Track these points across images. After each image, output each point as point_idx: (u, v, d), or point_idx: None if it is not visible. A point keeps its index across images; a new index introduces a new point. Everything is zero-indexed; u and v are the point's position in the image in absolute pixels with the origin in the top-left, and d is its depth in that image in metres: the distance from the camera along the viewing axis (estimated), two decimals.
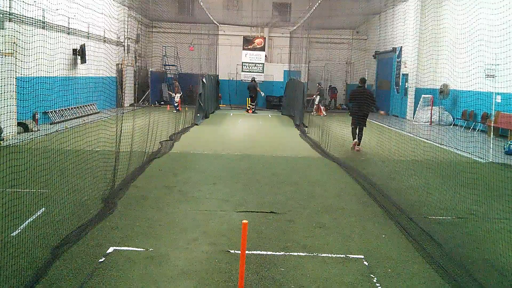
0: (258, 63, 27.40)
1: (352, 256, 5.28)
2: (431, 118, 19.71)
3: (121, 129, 8.28)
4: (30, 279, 4.33)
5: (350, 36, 28.92)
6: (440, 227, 6.28)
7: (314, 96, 24.77)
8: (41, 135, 12.65)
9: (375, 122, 20.92)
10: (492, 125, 13.75)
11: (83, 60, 17.72)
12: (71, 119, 16.76)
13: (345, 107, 27.91)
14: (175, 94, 22.67)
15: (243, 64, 27.42)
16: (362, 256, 5.26)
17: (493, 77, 14.83)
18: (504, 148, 12.71)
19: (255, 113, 24.27)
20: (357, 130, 12.64)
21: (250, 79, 25.88)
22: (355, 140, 12.69)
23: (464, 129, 17.64)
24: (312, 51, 27.34)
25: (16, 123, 12.95)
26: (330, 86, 28.97)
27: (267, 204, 7.22)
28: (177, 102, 22.52)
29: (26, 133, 13.36)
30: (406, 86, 22.31)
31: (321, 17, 21.74)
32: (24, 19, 13.59)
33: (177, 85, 22.89)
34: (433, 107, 19.79)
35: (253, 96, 24.75)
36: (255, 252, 5.27)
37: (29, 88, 12.08)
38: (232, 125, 18.59)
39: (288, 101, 24.18)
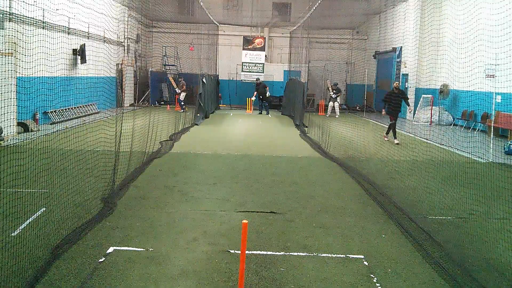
0: (258, 63, 27.38)
1: (352, 256, 5.28)
2: (431, 118, 19.71)
3: (121, 129, 8.28)
4: (30, 279, 4.34)
5: (350, 36, 28.91)
6: (440, 227, 6.28)
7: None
8: (41, 135, 12.66)
9: (375, 122, 20.93)
10: (492, 125, 13.75)
11: (83, 60, 17.73)
12: (71, 119, 16.77)
13: (345, 107, 27.88)
14: (181, 93, 22.41)
15: (243, 64, 27.41)
16: (362, 256, 5.27)
17: (493, 77, 14.83)
18: (504, 148, 12.71)
19: (267, 115, 23.48)
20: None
21: (256, 79, 25.55)
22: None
23: (464, 129, 17.64)
24: (312, 51, 27.34)
25: (16, 123, 12.95)
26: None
27: (267, 204, 7.22)
28: (183, 102, 22.28)
29: (26, 133, 13.37)
30: (406, 86, 22.30)
31: (321, 17, 21.72)
32: (24, 19, 13.59)
33: (184, 83, 22.59)
34: (433, 107, 19.79)
35: (262, 96, 23.64)
36: (255, 252, 5.28)
37: (29, 88, 12.08)
38: (232, 125, 18.59)
39: (288, 101, 24.16)
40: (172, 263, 4.92)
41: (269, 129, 17.85)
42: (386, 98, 14.35)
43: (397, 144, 13.58)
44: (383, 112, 14.46)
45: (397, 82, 15.18)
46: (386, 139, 14.36)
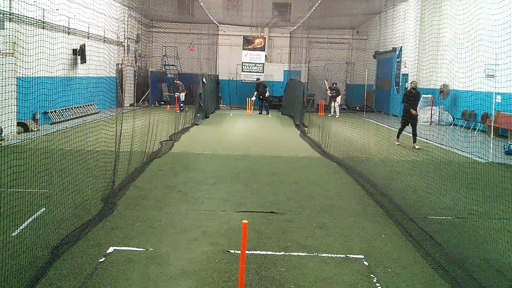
0: (258, 63, 27.38)
1: (352, 256, 5.28)
2: (431, 118, 19.71)
3: (121, 129, 8.28)
4: (30, 279, 4.33)
5: (350, 36, 28.90)
6: (440, 227, 6.28)
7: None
8: (41, 135, 12.65)
9: (375, 121, 20.93)
10: (492, 125, 13.74)
11: (83, 60, 17.73)
12: (71, 119, 16.77)
13: (345, 107, 27.88)
14: (180, 94, 22.61)
15: (243, 64, 27.41)
16: (362, 256, 5.27)
17: (493, 77, 14.82)
18: (504, 148, 12.71)
19: (267, 115, 23.54)
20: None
21: (256, 79, 25.49)
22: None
23: (464, 129, 17.64)
24: (312, 51, 27.31)
25: (16, 123, 12.95)
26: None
27: (267, 204, 7.22)
28: (182, 102, 22.43)
29: (26, 133, 13.36)
30: (406, 86, 22.30)
31: (321, 17, 21.71)
32: (24, 19, 13.59)
33: (181, 84, 22.86)
34: (433, 107, 19.79)
35: (262, 96, 23.65)
36: (255, 252, 5.27)
37: (30, 88, 12.08)
38: (232, 125, 18.59)
39: (288, 101, 24.16)
40: (172, 263, 4.92)
41: (269, 129, 17.85)
42: (404, 98, 13.63)
43: (398, 145, 13.53)
44: (413, 112, 13.20)
45: (414, 82, 13.93)
46: (417, 146, 13.10)
